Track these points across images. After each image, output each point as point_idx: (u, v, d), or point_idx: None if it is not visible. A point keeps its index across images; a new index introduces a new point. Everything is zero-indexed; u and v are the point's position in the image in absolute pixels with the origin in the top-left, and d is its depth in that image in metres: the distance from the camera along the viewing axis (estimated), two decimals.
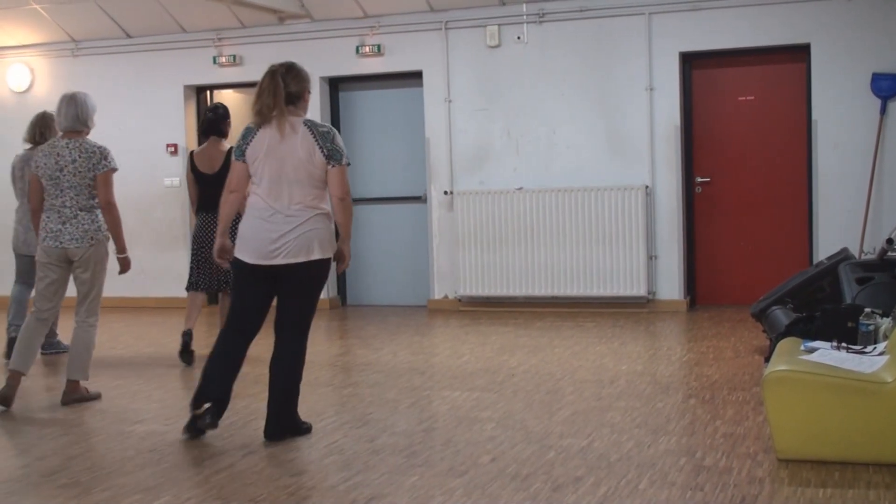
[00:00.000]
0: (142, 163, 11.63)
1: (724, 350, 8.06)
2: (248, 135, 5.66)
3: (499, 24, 10.66)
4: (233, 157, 5.74)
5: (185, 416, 6.34)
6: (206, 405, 5.69)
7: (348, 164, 5.69)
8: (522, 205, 10.52)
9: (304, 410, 6.38)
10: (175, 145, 11.80)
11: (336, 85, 11.50)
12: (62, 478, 5.16)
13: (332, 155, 5.58)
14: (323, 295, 11.32)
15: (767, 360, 6.65)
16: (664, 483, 4.73)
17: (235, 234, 5.79)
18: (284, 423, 5.73)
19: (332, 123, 11.46)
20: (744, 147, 10.31)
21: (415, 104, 11.09)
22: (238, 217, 5.88)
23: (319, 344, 9.09)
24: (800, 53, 9.99)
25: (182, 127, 11.81)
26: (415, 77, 11.07)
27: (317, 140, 5.57)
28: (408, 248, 11.33)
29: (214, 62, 11.68)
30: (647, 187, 10.22)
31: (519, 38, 10.63)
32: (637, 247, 10.20)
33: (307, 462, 5.27)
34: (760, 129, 10.25)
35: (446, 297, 11.00)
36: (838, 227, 9.70)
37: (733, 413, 6.02)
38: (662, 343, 8.77)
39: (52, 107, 12.01)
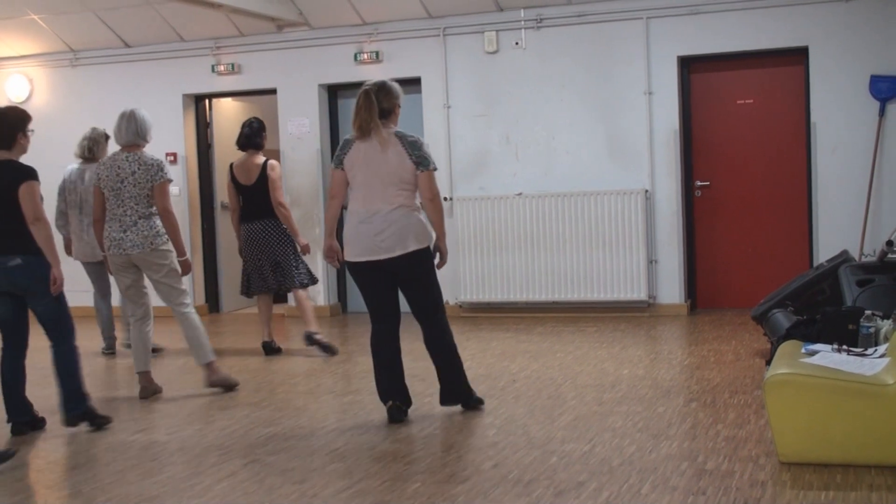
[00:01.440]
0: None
1: (725, 353, 8.06)
2: (346, 146, 6.28)
3: (497, 30, 10.67)
4: (331, 166, 6.33)
5: (186, 426, 6.36)
6: (390, 403, 6.26)
7: (435, 169, 6.22)
8: (522, 210, 10.52)
9: (306, 418, 6.40)
10: (174, 154, 11.80)
11: (335, 92, 11.52)
12: (64, 488, 5.17)
13: (421, 161, 6.14)
14: (323, 302, 11.40)
15: (768, 363, 6.65)
16: (666, 488, 4.73)
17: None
18: (457, 390, 6.40)
19: (331, 130, 11.48)
20: (743, 150, 10.31)
21: (413, 110, 11.08)
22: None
23: (320, 352, 9.07)
24: (798, 56, 10.00)
25: (181, 136, 11.82)
26: (413, 83, 11.06)
27: (406, 149, 6.13)
28: None
29: (213, 71, 11.69)
30: (646, 191, 10.22)
31: (517, 43, 10.64)
32: (637, 251, 10.20)
33: (309, 470, 5.27)
34: (759, 132, 10.25)
35: (447, 302, 10.98)
36: (838, 230, 9.70)
37: (735, 416, 6.01)
38: (663, 347, 8.76)
39: (51, 117, 12.10)
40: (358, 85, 11.16)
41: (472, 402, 6.45)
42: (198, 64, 11.75)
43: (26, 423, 6.35)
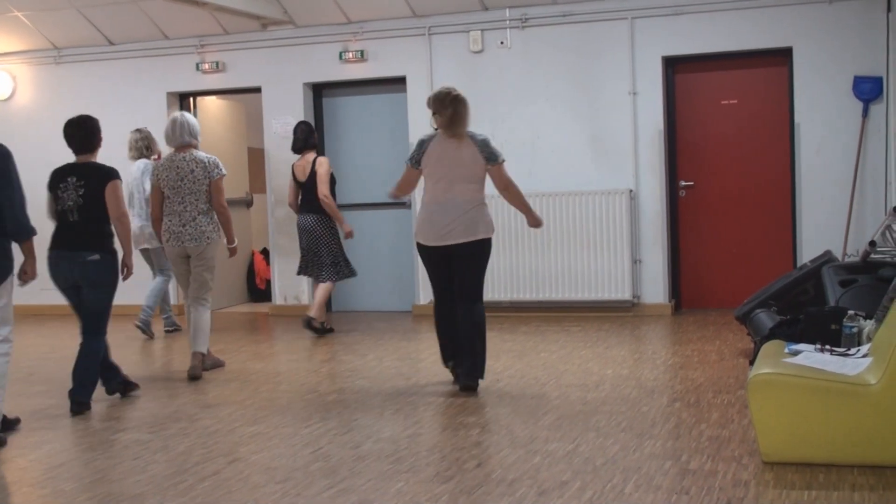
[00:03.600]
0: (125, 170, 11.54)
1: (709, 353, 8.08)
2: (422, 146, 6.98)
3: (482, 30, 10.67)
4: (408, 165, 7.03)
5: (169, 425, 6.35)
6: (451, 364, 7.17)
7: (504, 161, 7.00)
8: (507, 210, 10.48)
9: (289, 417, 6.39)
10: (159, 153, 11.75)
11: (319, 90, 11.49)
12: (46, 487, 5.14)
13: (490, 157, 6.92)
14: (307, 300, 11.32)
15: (752, 362, 6.67)
16: (650, 487, 4.74)
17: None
18: (480, 373, 7.02)
19: (316, 129, 11.43)
20: (727, 150, 10.34)
21: (398, 109, 11.09)
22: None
23: (304, 350, 9.08)
24: (782, 57, 10.03)
25: None
26: (398, 82, 11.06)
27: (478, 147, 6.91)
28: (393, 253, 11.32)
29: (197, 69, 11.65)
30: (631, 191, 10.23)
31: (502, 43, 10.64)
32: (621, 251, 10.21)
33: (292, 469, 5.26)
34: (743, 132, 10.27)
35: (432, 302, 10.96)
36: (821, 230, 9.73)
37: (718, 416, 6.03)
38: (647, 347, 8.78)
39: (35, 115, 12.08)
40: (343, 84, 11.33)
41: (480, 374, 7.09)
42: (182, 62, 11.71)
43: (119, 383, 7.21)
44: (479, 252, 6.95)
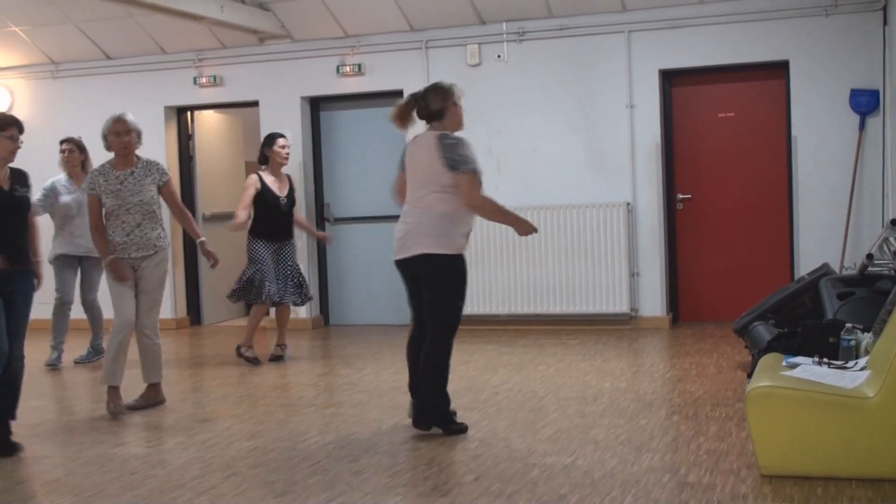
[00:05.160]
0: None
1: (707, 366, 8.07)
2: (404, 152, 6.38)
3: (479, 43, 10.69)
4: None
5: (167, 439, 6.33)
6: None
7: (473, 171, 6.01)
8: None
9: (287, 431, 6.38)
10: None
11: (317, 104, 11.50)
12: (43, 502, 5.13)
13: (453, 164, 5.98)
14: (305, 314, 11.31)
15: (750, 375, 6.66)
16: (648, 500, 4.73)
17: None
18: (428, 411, 6.20)
19: (313, 142, 11.46)
20: (724, 163, 10.35)
21: None
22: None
23: (302, 364, 9.07)
24: (779, 70, 10.05)
25: (163, 148, 11.74)
26: (395, 96, 10.99)
27: (441, 150, 5.99)
28: (390, 267, 11.20)
29: (195, 83, 11.66)
30: (628, 204, 10.24)
31: (499, 56, 10.66)
32: (619, 264, 10.21)
33: (290, 483, 5.25)
34: (740, 145, 10.29)
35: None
36: (819, 243, 9.74)
37: (716, 429, 6.02)
38: (645, 360, 8.77)
39: (33, 129, 12.01)
40: (340, 98, 11.34)
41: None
42: (180, 76, 11.72)
43: None
44: (427, 271, 6.34)
